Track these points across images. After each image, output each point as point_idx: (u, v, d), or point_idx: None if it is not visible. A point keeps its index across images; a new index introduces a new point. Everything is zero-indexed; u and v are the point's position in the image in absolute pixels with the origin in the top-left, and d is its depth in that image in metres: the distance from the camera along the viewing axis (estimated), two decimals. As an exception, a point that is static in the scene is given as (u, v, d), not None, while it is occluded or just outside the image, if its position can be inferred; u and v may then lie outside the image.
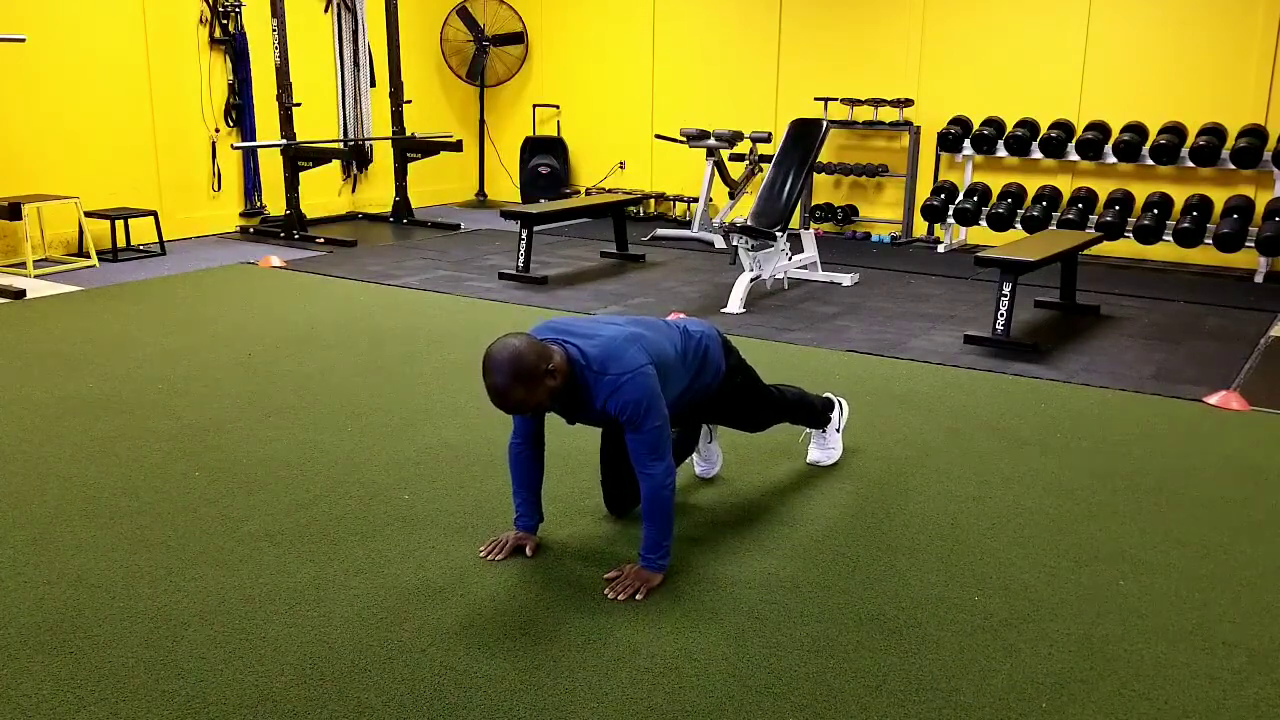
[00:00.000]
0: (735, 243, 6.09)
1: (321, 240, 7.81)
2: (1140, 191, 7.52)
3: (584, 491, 3.25)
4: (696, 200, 8.66)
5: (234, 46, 8.11)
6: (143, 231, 7.43)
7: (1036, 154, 7.70)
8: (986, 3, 7.91)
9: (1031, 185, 7.87)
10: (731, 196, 7.77)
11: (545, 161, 9.85)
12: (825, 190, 8.90)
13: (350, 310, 5.67)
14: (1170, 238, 7.11)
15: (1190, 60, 7.30)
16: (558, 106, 10.09)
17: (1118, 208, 7.33)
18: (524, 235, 6.54)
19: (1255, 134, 6.95)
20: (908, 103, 8.11)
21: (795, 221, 7.91)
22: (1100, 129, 7.41)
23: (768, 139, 7.77)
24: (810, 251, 6.72)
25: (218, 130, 8.13)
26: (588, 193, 9.85)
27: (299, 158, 7.94)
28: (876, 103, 8.15)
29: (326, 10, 8.75)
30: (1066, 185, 7.79)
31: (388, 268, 6.88)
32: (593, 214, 7.40)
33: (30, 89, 6.93)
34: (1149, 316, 5.87)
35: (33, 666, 2.28)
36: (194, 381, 4.34)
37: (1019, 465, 3.56)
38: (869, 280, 6.82)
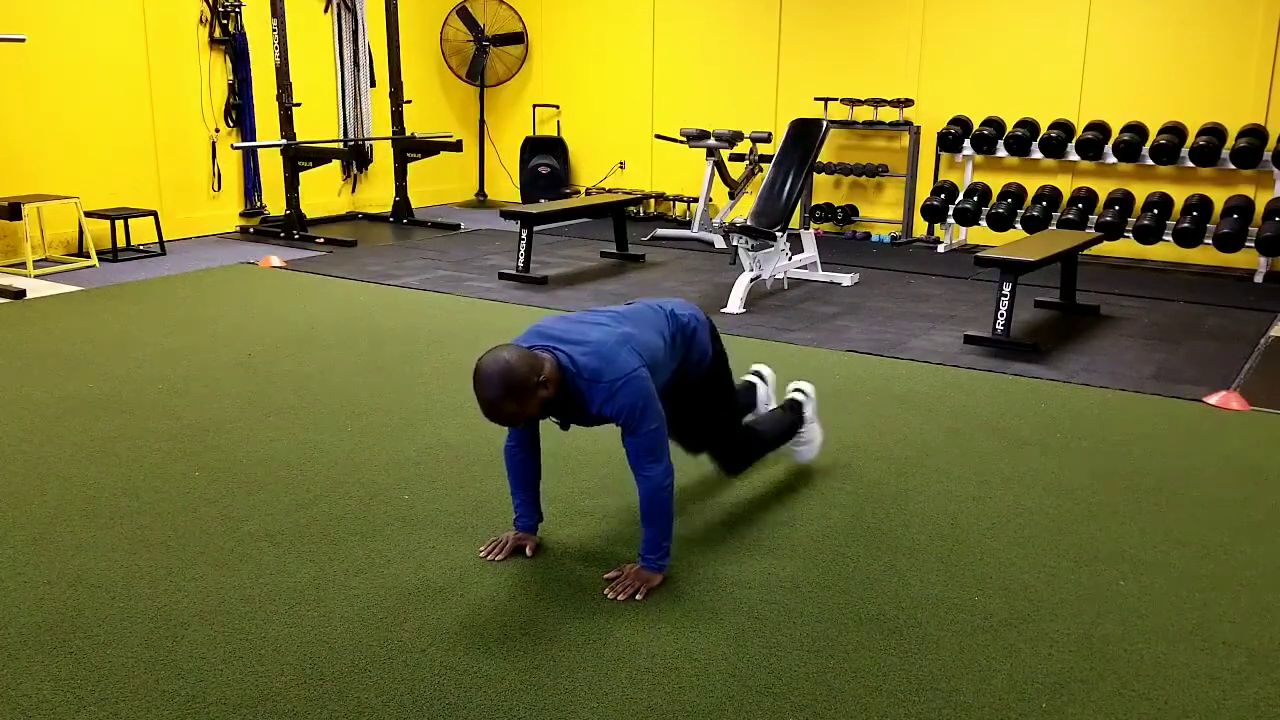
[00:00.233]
0: (735, 243, 6.09)
1: (321, 240, 7.81)
2: (1140, 191, 7.52)
3: (584, 491, 3.25)
4: (696, 200, 8.66)
5: (234, 46, 8.11)
6: (143, 231, 7.43)
7: (1036, 154, 7.70)
8: (986, 3, 7.91)
9: (1031, 185, 7.87)
10: (731, 196, 7.78)
11: (545, 161, 9.85)
12: (825, 190, 8.90)
13: (350, 310, 5.67)
14: (1170, 238, 7.11)
15: (1190, 60, 7.30)
16: (558, 106, 10.09)
17: (1118, 208, 7.33)
18: (524, 235, 6.54)
19: (1255, 134, 6.95)
20: (908, 103, 8.11)
21: (795, 221, 7.91)
22: (1100, 129, 7.41)
23: (768, 139, 7.78)
24: (810, 251, 6.72)
25: (218, 130, 8.13)
26: (588, 193, 9.85)
27: (299, 158, 7.94)
28: (876, 103, 8.15)
29: (326, 10, 8.75)
30: (1066, 185, 7.79)
31: (388, 268, 6.88)
32: (593, 214, 7.41)
33: (30, 89, 6.93)
34: (1149, 316, 5.87)
35: (33, 666, 2.28)
36: (194, 381, 4.34)
37: (1019, 465, 3.56)
38: (869, 280, 6.82)
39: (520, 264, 6.58)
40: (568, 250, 7.73)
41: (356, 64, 8.78)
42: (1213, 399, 4.30)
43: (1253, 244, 6.87)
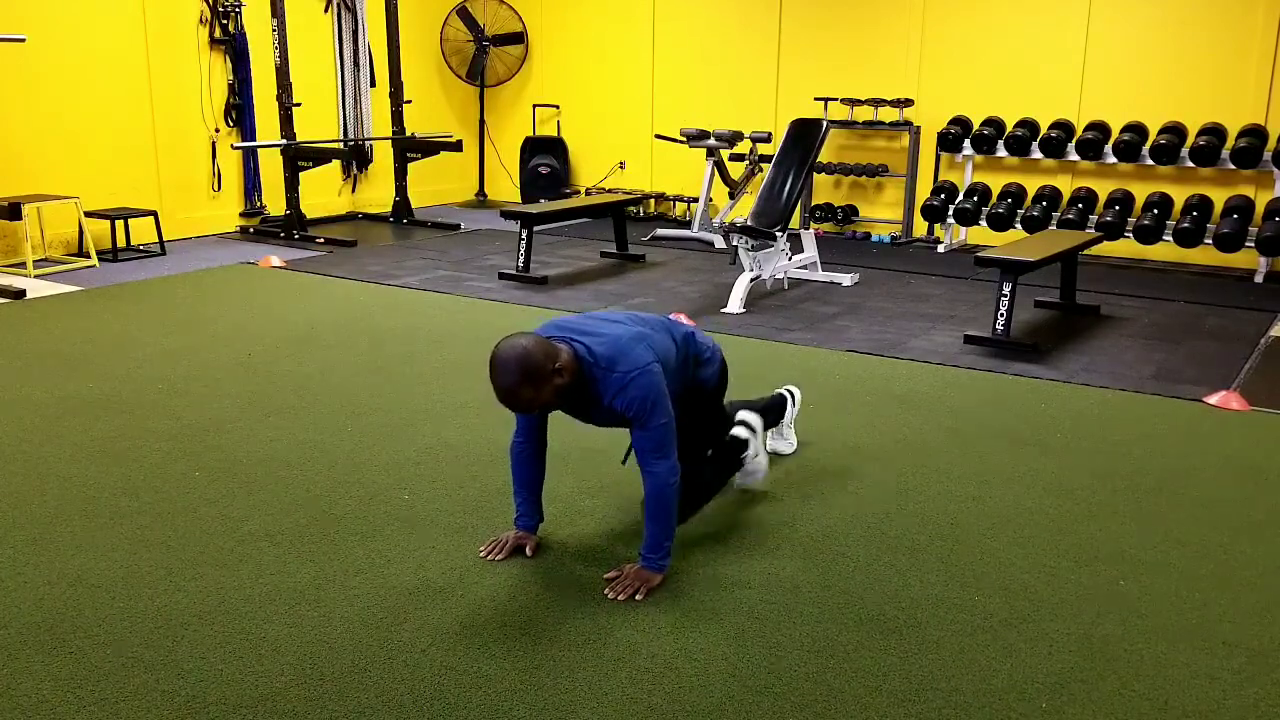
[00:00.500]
0: (735, 243, 6.09)
1: (321, 240, 7.81)
2: (1140, 191, 7.52)
3: (584, 491, 3.26)
4: (696, 200, 8.66)
5: (234, 46, 8.11)
6: (143, 231, 7.43)
7: (1036, 154, 7.70)
8: (986, 3, 7.91)
9: (1031, 185, 7.87)
10: (731, 196, 7.78)
11: (545, 161, 9.85)
12: (825, 190, 8.90)
13: (350, 310, 5.67)
14: (1170, 238, 7.11)
15: (1190, 60, 7.30)
16: (558, 106, 10.09)
17: (1118, 208, 7.33)
18: (524, 235, 6.54)
19: (1255, 134, 6.95)
20: (908, 103, 8.11)
21: (795, 221, 7.91)
22: (1100, 129, 7.41)
23: (768, 139, 7.78)
24: (810, 251, 6.72)
25: (218, 130, 8.13)
26: (588, 193, 9.85)
27: (299, 158, 7.94)
28: (876, 103, 8.15)
29: (326, 10, 8.75)
30: (1066, 185, 7.79)
31: (388, 268, 6.88)
32: (593, 214, 7.41)
33: (30, 89, 6.93)
34: (1149, 316, 5.87)
35: (33, 666, 2.28)
36: (194, 381, 4.34)
37: (1019, 465, 3.56)
38: (869, 280, 6.82)
39: (520, 264, 6.58)
40: (568, 250, 7.73)
41: (356, 64, 8.77)
42: (1213, 399, 4.30)
43: (1253, 244, 6.87)
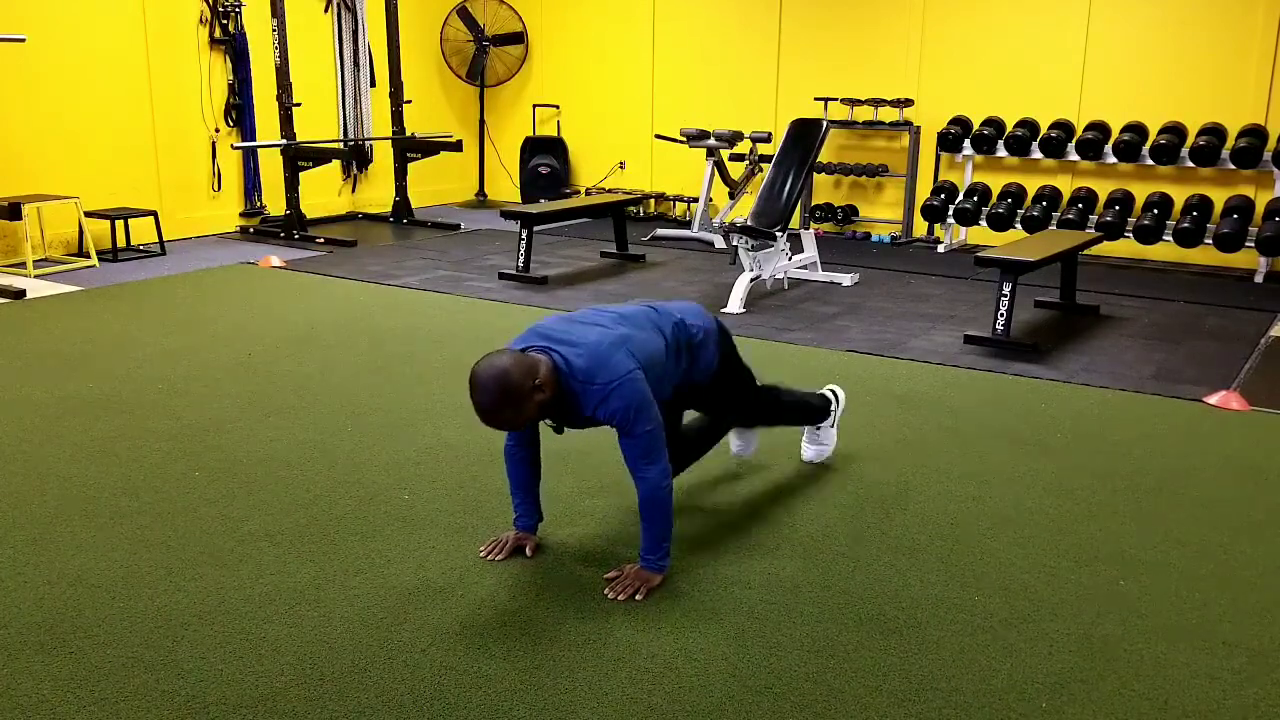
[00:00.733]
0: (735, 243, 6.09)
1: (321, 240, 7.81)
2: (1140, 191, 7.52)
3: (584, 491, 3.26)
4: (696, 200, 8.66)
5: (234, 46, 8.11)
6: (143, 231, 7.43)
7: (1036, 154, 7.70)
8: (986, 3, 7.91)
9: (1031, 185, 7.87)
10: (731, 196, 7.78)
11: (545, 161, 9.85)
12: (825, 190, 8.90)
13: (350, 310, 5.67)
14: (1170, 238, 7.11)
15: (1190, 60, 7.30)
16: (558, 106, 10.09)
17: (1118, 208, 7.33)
18: (524, 235, 6.54)
19: (1255, 134, 6.96)
20: (908, 103, 8.11)
21: (795, 221, 7.91)
22: (1100, 129, 7.41)
23: (768, 139, 7.78)
24: (810, 251, 6.72)
25: (218, 130, 8.13)
26: (588, 193, 9.85)
27: (299, 158, 7.94)
28: (876, 103, 8.16)
29: (326, 10, 8.75)
30: (1066, 185, 7.79)
31: (388, 268, 6.88)
32: (593, 214, 7.41)
33: (30, 89, 6.93)
34: (1149, 316, 5.87)
35: (33, 666, 2.28)
36: (194, 381, 4.34)
37: (1019, 465, 3.56)
38: (869, 280, 6.82)
39: (520, 264, 6.58)
40: (568, 250, 7.73)
41: (356, 64, 8.77)
42: (1213, 399, 4.30)
43: (1253, 244, 6.87)
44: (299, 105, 8.05)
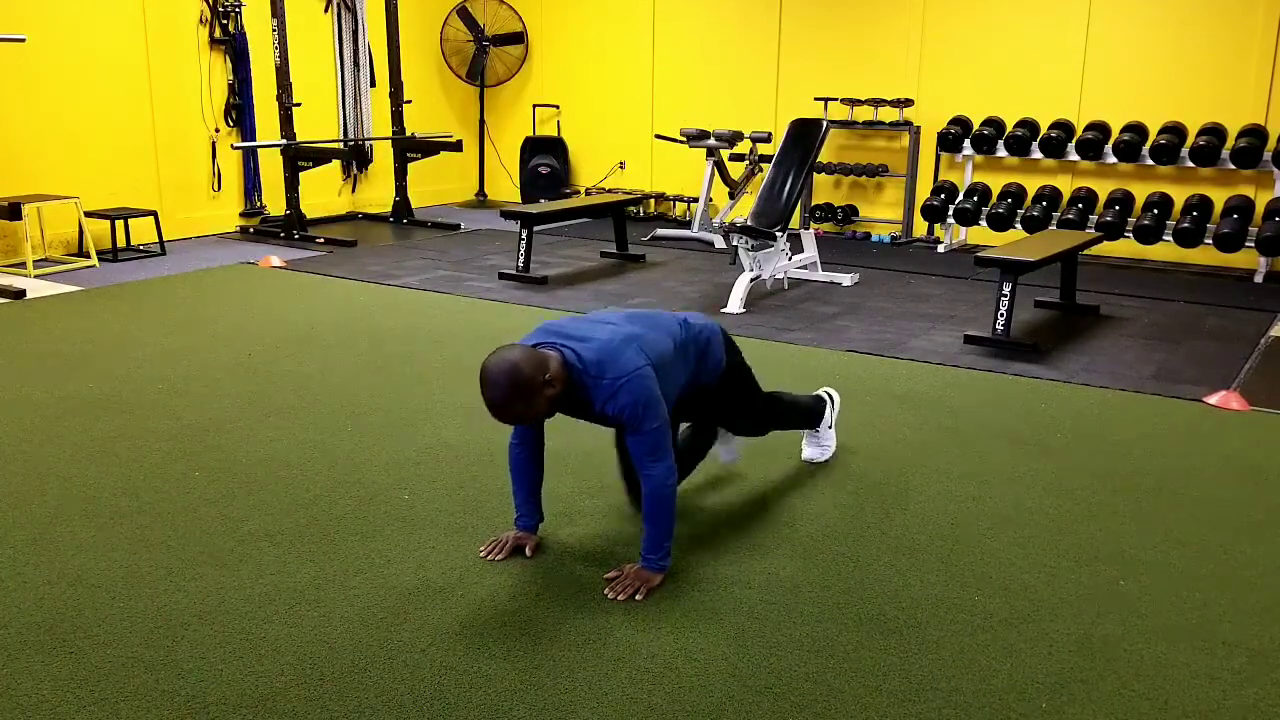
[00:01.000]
0: (735, 243, 6.09)
1: (321, 240, 7.81)
2: (1140, 191, 7.52)
3: (584, 491, 3.26)
4: (696, 200, 8.66)
5: (234, 46, 8.11)
6: (143, 231, 7.43)
7: (1036, 154, 7.70)
8: (986, 3, 7.91)
9: (1031, 185, 7.87)
10: (731, 196, 7.77)
11: (545, 161, 9.85)
12: (825, 190, 8.90)
13: (350, 310, 5.67)
14: (1170, 238, 7.11)
15: (1190, 60, 7.30)
16: (558, 106, 10.09)
17: (1118, 208, 7.33)
18: (524, 235, 6.54)
19: (1255, 134, 6.96)
20: (908, 103, 8.11)
21: (795, 221, 7.91)
22: (1100, 129, 7.41)
23: (768, 139, 7.77)
24: (810, 251, 6.72)
25: (218, 130, 8.13)
26: (588, 193, 9.85)
27: (299, 158, 7.94)
28: (876, 103, 8.16)
29: (326, 10, 8.75)
30: (1066, 185, 7.79)
31: (388, 268, 6.88)
32: (593, 214, 7.41)
33: (30, 89, 6.93)
34: (1149, 316, 5.87)
35: (33, 666, 2.28)
36: (194, 381, 4.34)
37: (1019, 465, 3.56)
38: (869, 280, 6.82)
39: (520, 264, 6.58)
40: (568, 250, 7.73)
41: (356, 64, 8.77)
42: (1213, 399, 4.30)
43: (1253, 244, 6.87)
44: (299, 105, 8.05)
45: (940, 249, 8.02)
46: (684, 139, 7.78)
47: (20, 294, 5.92)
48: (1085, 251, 6.76)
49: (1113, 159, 7.39)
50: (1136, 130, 7.31)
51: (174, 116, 7.81)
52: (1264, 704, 2.22)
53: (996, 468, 3.53)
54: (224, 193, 8.30)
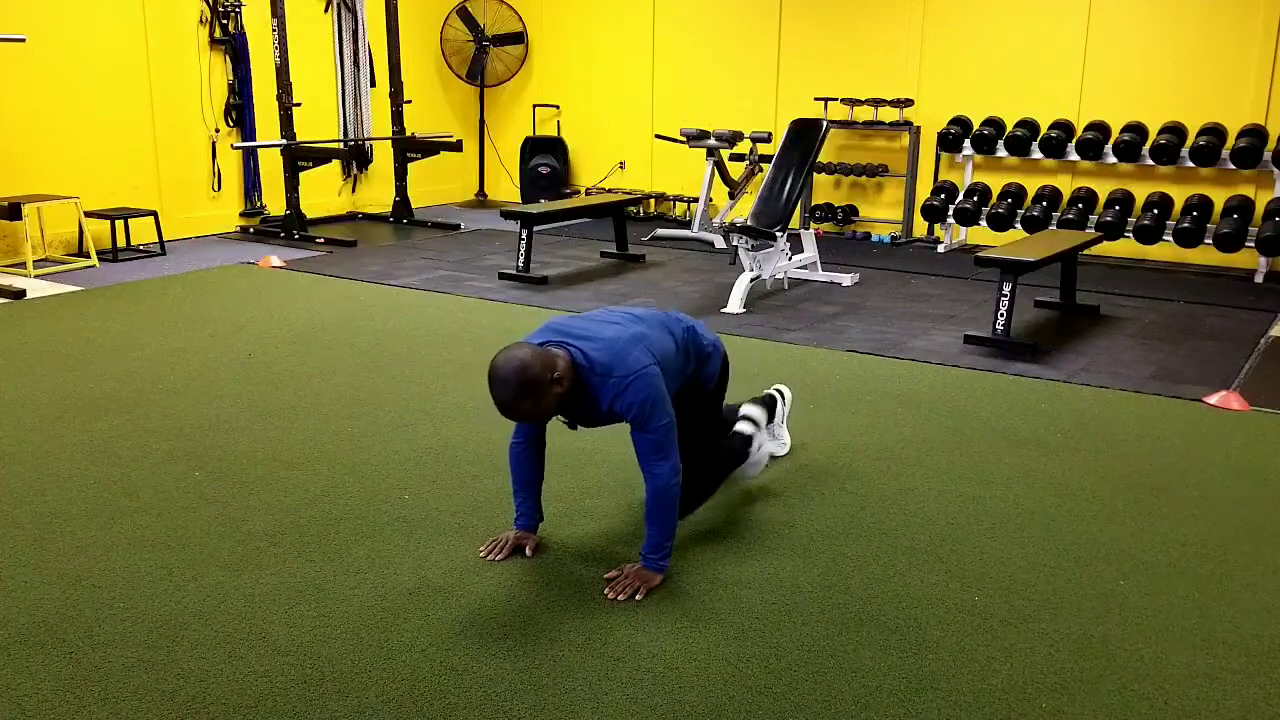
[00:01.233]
0: (735, 243, 6.09)
1: (321, 240, 7.81)
2: (1140, 191, 7.52)
3: (584, 491, 3.26)
4: (696, 200, 8.66)
5: (234, 46, 8.11)
6: (143, 231, 7.43)
7: (1036, 154, 7.70)
8: (986, 3, 7.91)
9: (1031, 185, 7.87)
10: (731, 196, 7.77)
11: (545, 161, 9.85)
12: (825, 190, 8.90)
13: (350, 310, 5.67)
14: (1170, 238, 7.11)
15: (1190, 60, 7.30)
16: (558, 106, 10.08)
17: (1118, 208, 7.33)
18: (524, 235, 6.53)
19: (1255, 134, 6.95)
20: (908, 103, 8.11)
21: (795, 221, 7.91)
22: (1100, 129, 7.41)
23: (768, 139, 7.77)
24: (810, 251, 6.72)
25: (218, 130, 8.13)
26: (588, 193, 9.84)
27: (299, 158, 7.94)
28: (876, 103, 8.16)
29: (326, 10, 8.75)
30: (1066, 185, 7.79)
31: (388, 268, 6.88)
32: (593, 214, 7.41)
33: (30, 89, 6.93)
34: (1149, 316, 5.87)
35: (33, 666, 2.28)
36: (194, 381, 4.34)
37: (1019, 465, 3.56)
38: (869, 280, 6.82)
39: (520, 264, 6.58)
40: (568, 250, 7.73)
41: (356, 64, 8.77)
42: (1213, 399, 4.30)
43: (1253, 244, 6.87)
44: (299, 105, 8.04)
45: (940, 249, 8.02)
46: (684, 139, 7.77)
47: (20, 294, 5.92)
48: (1085, 251, 6.75)
49: (1113, 159, 7.39)
50: (1136, 130, 7.31)
51: (174, 116, 7.81)
52: (1264, 704, 2.22)
53: (996, 468, 3.53)
54: (224, 193, 8.30)
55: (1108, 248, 7.71)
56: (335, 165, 9.14)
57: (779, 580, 2.72)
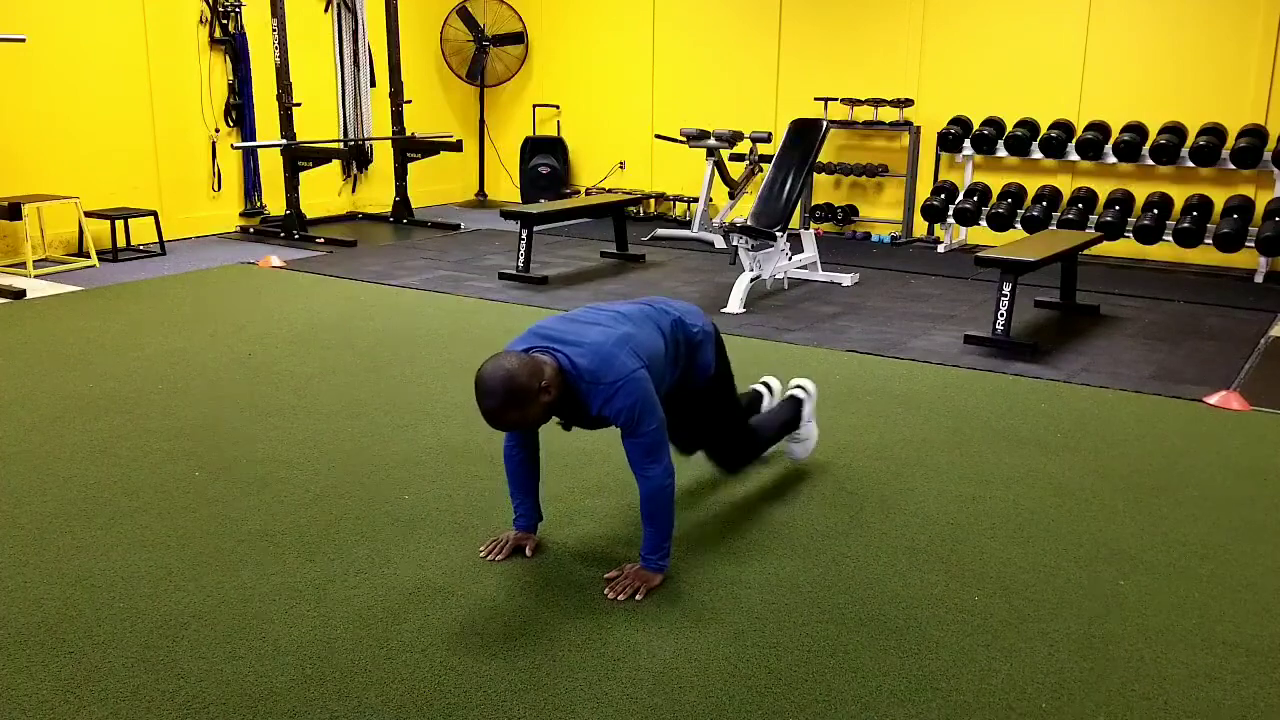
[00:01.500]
0: (735, 243, 6.09)
1: (321, 240, 7.81)
2: (1140, 191, 7.52)
3: (584, 491, 3.26)
4: (696, 200, 8.66)
5: (234, 46, 8.11)
6: (143, 231, 7.43)
7: (1036, 154, 7.70)
8: (986, 3, 7.91)
9: (1031, 185, 7.87)
10: (731, 196, 7.77)
11: (545, 161, 9.85)
12: (825, 190, 8.90)
13: (350, 310, 5.67)
14: (1170, 238, 7.11)
15: (1190, 60, 7.30)
16: (558, 106, 10.09)
17: (1118, 208, 7.33)
18: (524, 235, 6.54)
19: (1255, 134, 6.95)
20: (908, 103, 8.11)
21: (795, 221, 7.91)
22: (1100, 129, 7.41)
23: (768, 139, 7.78)
24: (810, 251, 6.72)
25: (218, 130, 8.13)
26: (588, 193, 9.85)
27: (299, 158, 7.94)
28: (876, 103, 8.16)
29: (326, 10, 8.75)
30: (1066, 185, 7.79)
31: (388, 268, 6.88)
32: (593, 214, 7.41)
33: (30, 89, 6.93)
34: (1149, 316, 5.87)
35: (33, 666, 2.28)
36: (194, 381, 4.34)
37: (1019, 465, 3.56)
38: (869, 280, 6.82)
39: (520, 264, 6.58)
40: (568, 250, 7.73)
41: (356, 64, 8.78)
42: (1213, 399, 4.30)
43: (1253, 244, 6.87)
44: (299, 105, 8.04)
45: (940, 249, 8.02)
46: (684, 139, 7.77)
47: (20, 294, 5.92)
48: (1085, 251, 6.75)
49: (1113, 159, 7.39)
50: (1136, 130, 7.31)
51: (174, 116, 7.81)
52: (1264, 704, 2.22)
53: (996, 468, 3.53)
54: (224, 193, 8.30)
55: (1108, 248, 7.71)
56: (335, 165, 9.14)
57: (779, 580, 2.72)
